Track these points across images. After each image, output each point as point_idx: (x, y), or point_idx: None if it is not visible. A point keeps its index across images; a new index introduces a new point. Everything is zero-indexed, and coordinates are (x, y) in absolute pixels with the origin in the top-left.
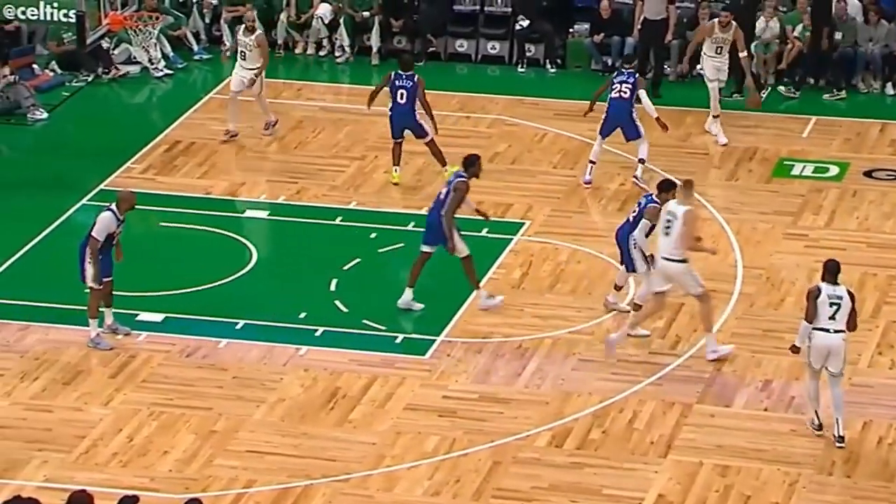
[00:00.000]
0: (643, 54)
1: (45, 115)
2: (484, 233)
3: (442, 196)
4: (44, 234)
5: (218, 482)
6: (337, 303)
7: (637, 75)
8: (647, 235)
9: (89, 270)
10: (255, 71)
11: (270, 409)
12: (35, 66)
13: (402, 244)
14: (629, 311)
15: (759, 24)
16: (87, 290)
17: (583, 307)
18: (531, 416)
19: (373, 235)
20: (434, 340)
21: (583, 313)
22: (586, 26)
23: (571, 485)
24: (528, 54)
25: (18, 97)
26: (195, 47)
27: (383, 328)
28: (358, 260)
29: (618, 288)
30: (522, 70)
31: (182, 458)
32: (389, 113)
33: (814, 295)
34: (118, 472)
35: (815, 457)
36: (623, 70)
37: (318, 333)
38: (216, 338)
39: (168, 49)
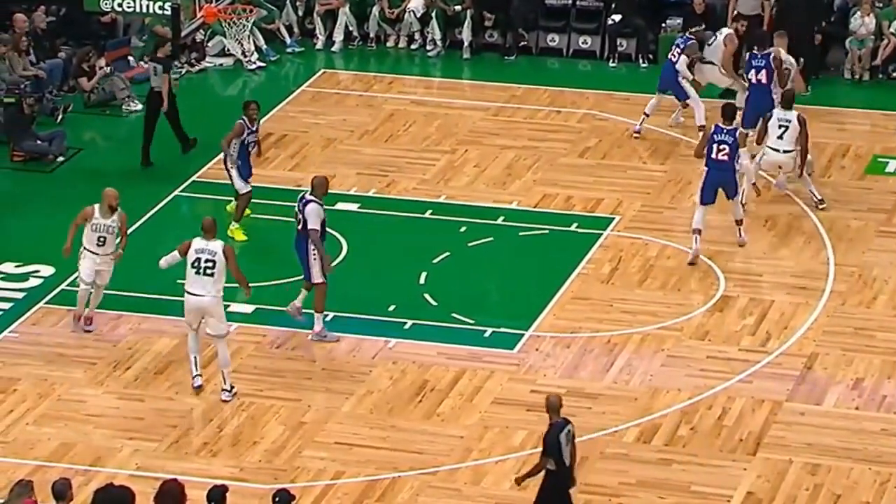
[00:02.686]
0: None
1: (140, 106)
2: (574, 227)
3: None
4: (138, 224)
5: (306, 473)
6: (426, 296)
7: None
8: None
9: (315, 266)
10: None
11: (359, 401)
12: (130, 57)
13: (491, 238)
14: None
15: (855, 19)
16: (313, 285)
17: (672, 303)
18: (619, 412)
19: (462, 229)
20: (523, 335)
21: (672, 309)
22: (679, 21)
23: (659, 481)
24: (619, 49)
25: (114, 88)
26: (288, 40)
27: (472, 322)
28: (447, 253)
29: (739, 222)
30: (614, 65)
31: (271, 449)
32: None
33: None
34: (208, 461)
35: None
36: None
37: (406, 326)
38: (305, 330)
39: (261, 42)
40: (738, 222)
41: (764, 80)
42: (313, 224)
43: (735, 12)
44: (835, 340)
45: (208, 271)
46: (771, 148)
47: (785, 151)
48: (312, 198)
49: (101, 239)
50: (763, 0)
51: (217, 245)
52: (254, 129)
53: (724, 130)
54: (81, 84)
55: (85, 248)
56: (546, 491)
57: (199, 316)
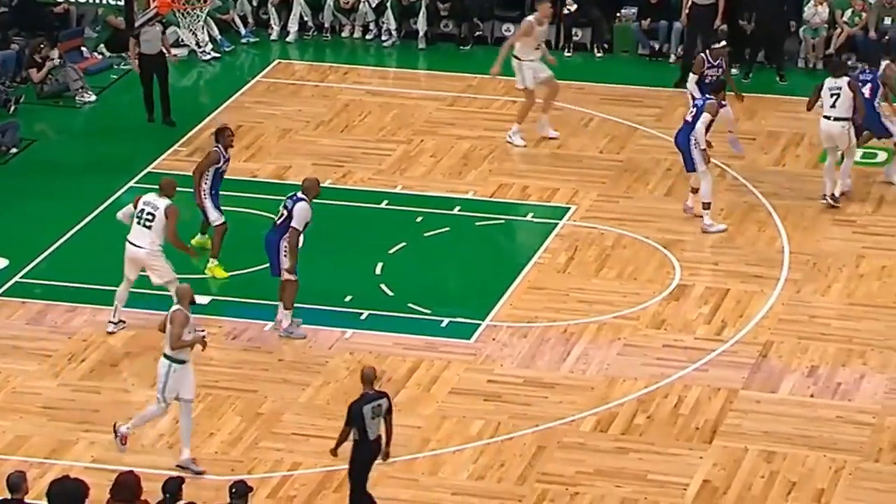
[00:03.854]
0: (692, 39)
1: (94, 97)
2: (530, 217)
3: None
4: (92, 216)
5: (263, 464)
6: (382, 286)
7: (709, 98)
8: (707, 130)
9: (286, 262)
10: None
11: (316, 392)
12: (84, 48)
13: (447, 228)
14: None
15: (808, 8)
16: (282, 281)
17: (628, 292)
18: (576, 401)
19: (418, 219)
20: (479, 325)
21: (628, 298)
22: (634, 10)
23: (616, 470)
24: (574, 39)
25: (67, 80)
26: (242, 31)
27: (429, 312)
28: (403, 244)
29: (694, 191)
30: (569, 54)
31: (228, 441)
32: None
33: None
34: (165, 453)
35: (862, 444)
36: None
37: (363, 317)
38: (262, 321)
39: (216, 32)
40: (705, 206)
41: (869, 96)
42: (298, 223)
43: (690, 2)
44: (790, 328)
45: (147, 223)
46: (824, 116)
47: (836, 119)
48: (304, 197)
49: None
50: None
51: (162, 202)
52: (228, 156)
53: (704, 96)
54: (32, 75)
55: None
56: (351, 462)
57: (134, 266)
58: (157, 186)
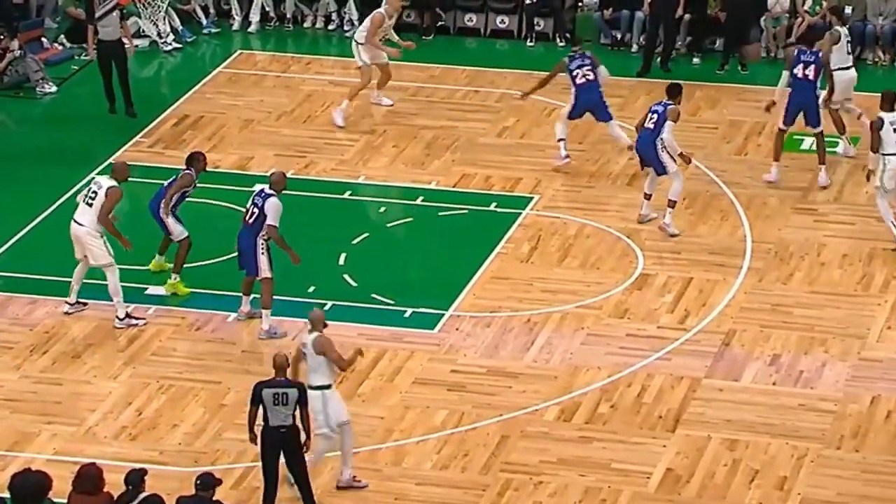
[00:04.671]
0: (654, 28)
1: (54, 88)
2: (493, 207)
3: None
4: (52, 207)
5: (226, 456)
6: (346, 277)
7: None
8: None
9: (264, 261)
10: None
11: None
12: (44, 39)
13: (410, 218)
14: (663, 216)
15: None
16: (260, 280)
17: (591, 281)
18: (539, 391)
19: (381, 210)
20: (443, 315)
21: (591, 287)
22: (596, 0)
23: (580, 459)
24: (536, 28)
25: (27, 70)
26: (204, 21)
27: (392, 302)
28: (366, 234)
29: (647, 197)
30: (531, 44)
31: (191, 432)
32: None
33: (877, 126)
34: (127, 445)
35: (824, 431)
36: (661, 101)
37: (326, 308)
38: (225, 312)
39: (177, 23)
40: (670, 203)
41: (812, 76)
42: (273, 220)
43: None
44: (752, 317)
45: (89, 201)
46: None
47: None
48: (273, 192)
49: None
50: None
51: (106, 182)
52: (197, 181)
53: (661, 102)
54: None
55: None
56: (260, 446)
57: (78, 245)
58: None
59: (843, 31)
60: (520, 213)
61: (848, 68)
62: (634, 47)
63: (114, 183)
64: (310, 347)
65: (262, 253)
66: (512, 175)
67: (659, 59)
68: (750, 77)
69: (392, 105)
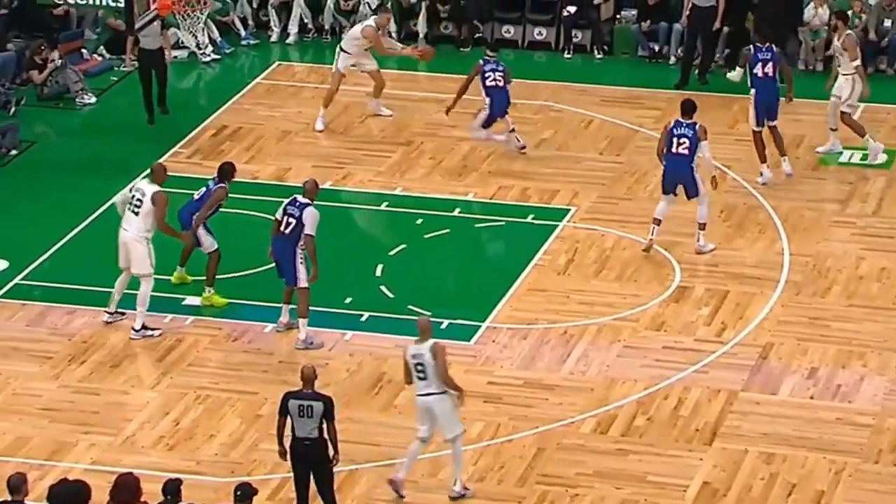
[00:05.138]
0: (692, 41)
1: (94, 99)
2: (530, 219)
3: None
4: (91, 218)
5: (263, 466)
6: (382, 288)
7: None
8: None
9: (303, 270)
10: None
11: None
12: (84, 50)
13: (447, 230)
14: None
15: (808, 10)
16: (297, 290)
17: (628, 294)
18: (576, 403)
19: (418, 221)
20: (479, 326)
21: (628, 300)
22: (633, 12)
23: (616, 471)
24: (574, 40)
25: (67, 81)
26: (242, 32)
27: (429, 314)
28: (403, 245)
29: (658, 223)
30: (569, 56)
31: (227, 442)
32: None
33: None
34: (164, 455)
35: (862, 445)
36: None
37: (363, 319)
38: (262, 322)
39: (216, 34)
40: (700, 226)
41: (771, 73)
42: (311, 229)
43: (690, 4)
44: (790, 330)
45: (135, 209)
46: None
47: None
48: (308, 201)
49: None
50: None
51: (150, 188)
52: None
53: (684, 124)
54: (33, 77)
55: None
56: (289, 457)
57: (124, 252)
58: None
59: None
60: (557, 225)
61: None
62: (672, 59)
63: (156, 188)
64: (428, 355)
65: (301, 262)
66: (549, 187)
67: (697, 72)
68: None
69: (391, 115)
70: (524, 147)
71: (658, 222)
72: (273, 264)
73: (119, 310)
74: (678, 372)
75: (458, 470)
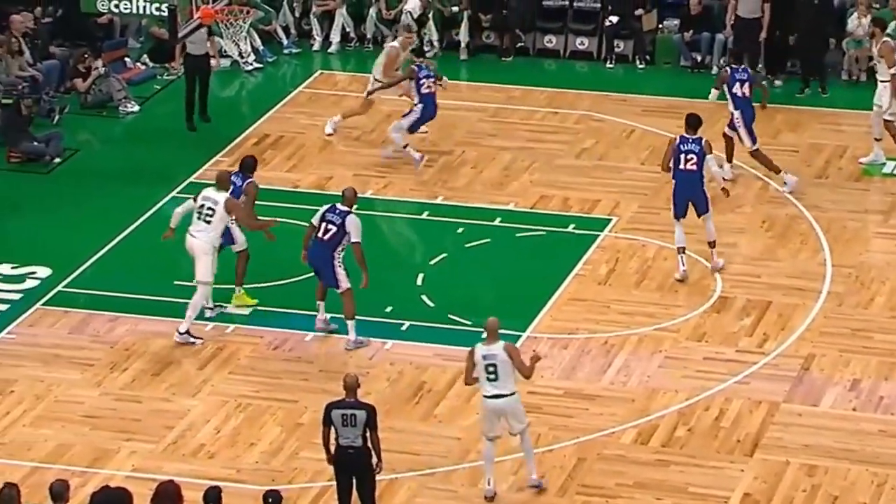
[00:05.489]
0: (737, 52)
1: (137, 107)
2: (571, 229)
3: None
4: (134, 225)
5: (303, 475)
6: (423, 297)
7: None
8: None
9: (342, 273)
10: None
11: None
12: (127, 58)
13: (488, 239)
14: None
15: (852, 20)
16: (341, 294)
17: (669, 304)
18: (617, 413)
19: (459, 230)
20: (520, 336)
21: (669, 310)
22: (676, 22)
23: (657, 482)
24: (616, 50)
25: (111, 90)
26: (285, 41)
27: (469, 323)
28: (444, 255)
29: (682, 251)
30: (611, 66)
31: (268, 451)
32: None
33: None
34: (205, 463)
35: None
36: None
37: (404, 328)
38: (303, 331)
39: (258, 43)
40: (711, 244)
41: (748, 93)
42: (357, 237)
43: (734, 15)
44: (832, 341)
45: (207, 218)
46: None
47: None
48: (348, 209)
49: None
50: (763, 2)
51: (221, 196)
52: None
53: (690, 140)
54: (76, 85)
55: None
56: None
57: (191, 256)
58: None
59: None
60: (598, 235)
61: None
62: (714, 69)
63: (226, 194)
64: (502, 355)
65: (339, 266)
66: (590, 197)
67: None
68: (830, 101)
69: (332, 135)
70: (422, 158)
71: (683, 250)
72: (312, 272)
73: (218, 303)
74: (719, 383)
75: (531, 460)
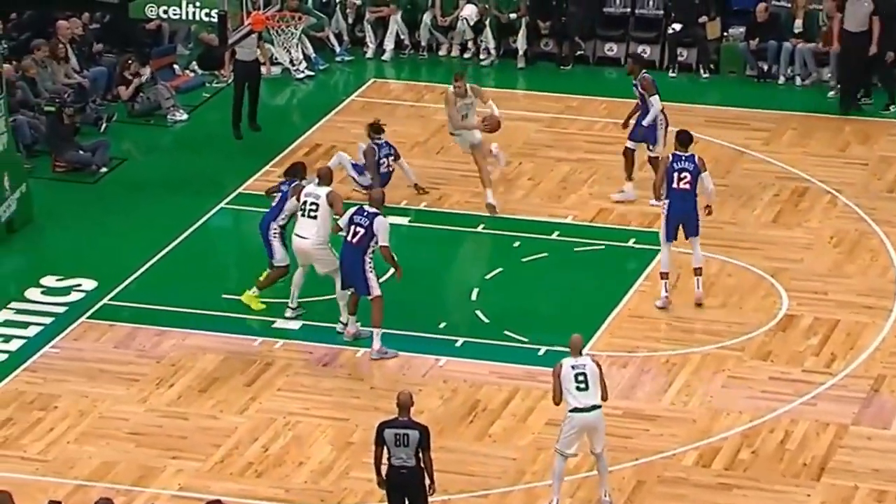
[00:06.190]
0: (844, 67)
1: (185, 115)
2: (631, 243)
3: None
4: (181, 237)
5: (353, 495)
6: (478, 313)
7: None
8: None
9: (373, 278)
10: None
11: None
12: (176, 66)
13: (545, 253)
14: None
15: None
16: (371, 299)
17: (733, 321)
18: (677, 434)
19: (516, 244)
20: None
21: (733, 328)
22: (741, 30)
23: None
24: (679, 59)
25: (158, 98)
26: (337, 48)
27: (526, 340)
28: (500, 269)
29: (698, 272)
30: (673, 75)
31: (318, 470)
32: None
33: None
34: (253, 482)
35: None
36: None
37: (458, 344)
38: (354, 347)
39: (310, 50)
40: (697, 272)
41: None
42: (384, 240)
43: (840, 29)
44: None
45: (312, 214)
46: None
47: None
48: (377, 210)
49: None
50: (872, 15)
51: (323, 190)
52: None
53: (683, 157)
54: (120, 93)
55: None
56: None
57: (303, 258)
58: (242, 208)
59: None
60: (659, 250)
61: None
62: (782, 79)
63: (328, 188)
64: (591, 365)
65: (370, 270)
66: (650, 210)
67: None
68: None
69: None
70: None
71: (667, 276)
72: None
73: (301, 303)
74: (785, 404)
75: (606, 480)
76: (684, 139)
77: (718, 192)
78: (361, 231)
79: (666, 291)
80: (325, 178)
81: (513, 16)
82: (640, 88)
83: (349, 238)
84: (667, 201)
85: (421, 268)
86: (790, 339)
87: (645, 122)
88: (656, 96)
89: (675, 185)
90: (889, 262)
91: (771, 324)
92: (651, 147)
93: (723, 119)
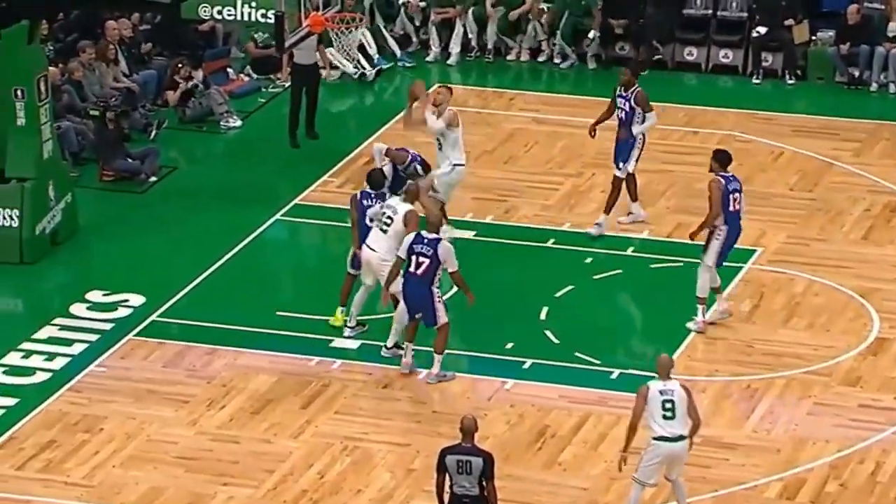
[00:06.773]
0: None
1: (239, 122)
2: None
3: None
4: (234, 251)
5: None
6: (547, 333)
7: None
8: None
9: (441, 308)
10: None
11: None
12: (230, 69)
13: (619, 270)
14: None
15: None
16: (437, 328)
17: (820, 345)
18: (760, 464)
19: (588, 260)
20: (654, 377)
21: (819, 351)
22: (831, 34)
23: None
24: (764, 64)
25: (211, 103)
26: (398, 52)
27: (598, 362)
28: (571, 287)
29: (717, 290)
30: (758, 81)
31: (377, 498)
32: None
33: None
34: None
35: None
36: (729, 176)
37: (526, 366)
38: (416, 368)
39: (373, 50)
40: (703, 300)
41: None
42: (453, 266)
43: None
44: None
45: (384, 227)
46: None
47: None
48: (436, 235)
49: None
50: None
51: (403, 207)
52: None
53: (732, 178)
54: (168, 97)
55: None
56: None
57: (369, 270)
58: (298, 220)
59: None
60: (741, 267)
61: None
62: (874, 86)
63: (409, 206)
64: (680, 391)
65: (439, 300)
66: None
67: None
68: None
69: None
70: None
71: (704, 301)
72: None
73: (360, 322)
74: (876, 433)
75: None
76: (725, 159)
77: (805, 207)
78: (426, 262)
79: (703, 316)
80: (411, 195)
81: (586, 18)
82: (632, 102)
83: (412, 269)
84: (725, 227)
85: (487, 285)
86: (881, 363)
87: (636, 131)
88: (653, 112)
89: (731, 208)
90: None
91: (861, 347)
92: (621, 165)
93: (810, 128)
